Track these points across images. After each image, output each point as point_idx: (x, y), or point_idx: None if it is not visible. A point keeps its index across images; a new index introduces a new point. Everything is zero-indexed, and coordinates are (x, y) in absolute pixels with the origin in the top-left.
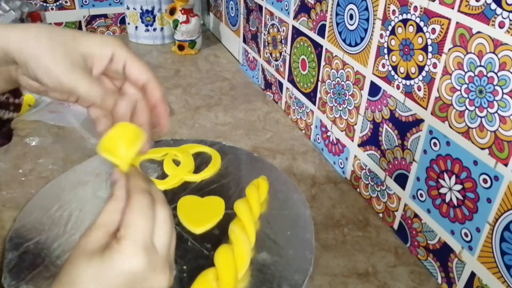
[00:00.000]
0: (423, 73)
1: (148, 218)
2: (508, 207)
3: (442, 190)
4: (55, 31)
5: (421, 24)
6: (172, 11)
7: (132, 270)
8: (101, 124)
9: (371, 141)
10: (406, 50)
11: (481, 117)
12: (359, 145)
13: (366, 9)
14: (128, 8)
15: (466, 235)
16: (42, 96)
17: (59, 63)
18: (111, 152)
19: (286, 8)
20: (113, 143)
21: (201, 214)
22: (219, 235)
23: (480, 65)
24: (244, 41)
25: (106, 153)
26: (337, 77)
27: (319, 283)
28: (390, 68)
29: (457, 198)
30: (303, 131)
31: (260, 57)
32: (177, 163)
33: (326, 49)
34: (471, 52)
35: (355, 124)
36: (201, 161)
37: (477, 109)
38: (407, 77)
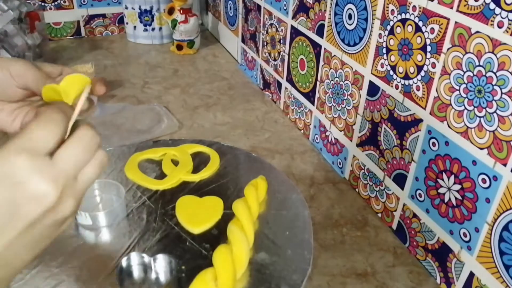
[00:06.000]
0: (422, 73)
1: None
2: (507, 207)
3: (441, 190)
4: None
5: (420, 24)
6: (170, 11)
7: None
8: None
9: (370, 141)
10: (405, 50)
11: (480, 117)
12: (357, 145)
13: (365, 9)
14: (126, 8)
15: (465, 235)
16: None
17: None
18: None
19: (285, 8)
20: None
21: (199, 214)
22: (217, 235)
23: (479, 65)
24: (243, 40)
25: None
26: (336, 77)
27: (318, 283)
28: (388, 68)
29: (456, 198)
30: (302, 131)
31: (259, 57)
32: (175, 163)
33: (324, 48)
34: (470, 52)
35: (354, 124)
36: (199, 161)
37: (476, 109)
38: (406, 77)
